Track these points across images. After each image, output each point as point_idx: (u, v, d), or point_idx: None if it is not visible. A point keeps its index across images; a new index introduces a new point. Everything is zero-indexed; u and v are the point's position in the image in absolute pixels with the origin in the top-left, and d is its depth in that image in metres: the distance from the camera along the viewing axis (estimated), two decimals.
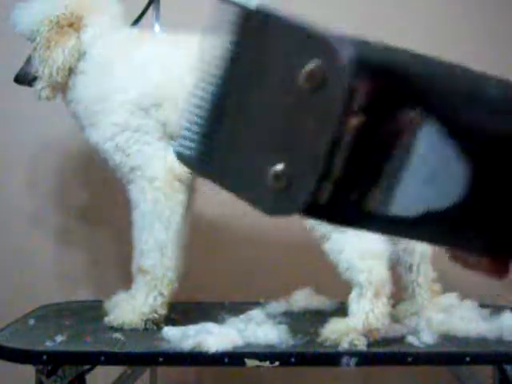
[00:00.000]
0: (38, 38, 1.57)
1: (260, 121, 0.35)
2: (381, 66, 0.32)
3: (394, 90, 0.32)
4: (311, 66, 0.32)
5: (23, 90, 1.69)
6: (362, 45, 0.33)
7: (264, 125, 0.35)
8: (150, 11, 1.88)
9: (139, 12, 1.81)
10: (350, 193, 0.33)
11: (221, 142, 0.37)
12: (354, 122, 0.32)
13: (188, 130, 0.39)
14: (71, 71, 1.58)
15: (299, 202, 0.33)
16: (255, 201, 0.35)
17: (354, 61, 0.32)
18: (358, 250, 1.35)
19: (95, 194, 2.15)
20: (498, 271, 0.34)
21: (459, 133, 0.33)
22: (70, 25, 1.57)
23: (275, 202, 0.34)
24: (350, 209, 0.34)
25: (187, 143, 0.39)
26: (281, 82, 0.34)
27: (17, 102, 2.07)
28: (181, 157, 0.39)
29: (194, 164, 0.39)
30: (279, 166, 0.34)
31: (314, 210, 0.34)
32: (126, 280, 1.62)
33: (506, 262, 0.34)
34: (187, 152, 0.39)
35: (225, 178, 0.37)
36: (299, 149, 0.33)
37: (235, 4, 0.36)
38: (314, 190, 0.33)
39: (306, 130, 0.33)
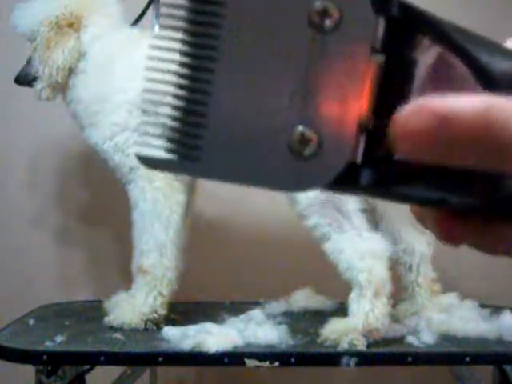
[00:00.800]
0: (38, 39, 1.57)
1: (265, 81, 0.29)
2: (399, 5, 0.30)
3: (410, 22, 0.30)
4: (322, 3, 0.29)
5: (23, 90, 1.69)
6: None
7: (272, 84, 0.29)
8: (150, 11, 1.88)
9: (139, 12, 1.81)
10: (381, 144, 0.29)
11: (214, 125, 0.30)
12: (378, 60, 0.29)
13: (155, 123, 0.32)
14: (71, 71, 1.58)
15: (337, 164, 0.28)
16: (276, 180, 0.30)
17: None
18: (358, 250, 1.35)
19: (95, 195, 2.15)
20: (446, 231, 0.31)
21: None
22: (70, 25, 1.58)
23: (303, 173, 0.29)
24: (385, 165, 0.30)
25: (158, 142, 0.31)
26: (287, 27, 0.29)
27: (17, 103, 2.07)
28: (155, 162, 0.31)
29: (180, 165, 0.31)
30: (301, 128, 0.29)
31: (350, 175, 0.29)
32: (126, 280, 1.62)
33: (456, 221, 0.31)
34: (166, 154, 0.31)
35: (231, 169, 0.30)
36: (325, 101, 0.29)
37: None
38: (352, 147, 0.29)
39: (328, 80, 0.29)
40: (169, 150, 0.31)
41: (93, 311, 1.64)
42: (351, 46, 0.29)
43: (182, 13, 0.31)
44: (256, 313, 1.51)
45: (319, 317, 1.53)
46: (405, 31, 0.30)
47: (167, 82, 0.31)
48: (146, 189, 1.51)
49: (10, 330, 1.46)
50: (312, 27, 0.29)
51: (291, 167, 0.29)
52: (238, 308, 1.60)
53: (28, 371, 1.39)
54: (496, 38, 0.32)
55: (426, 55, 0.30)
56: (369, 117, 0.29)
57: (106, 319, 1.51)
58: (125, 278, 1.65)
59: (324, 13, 0.29)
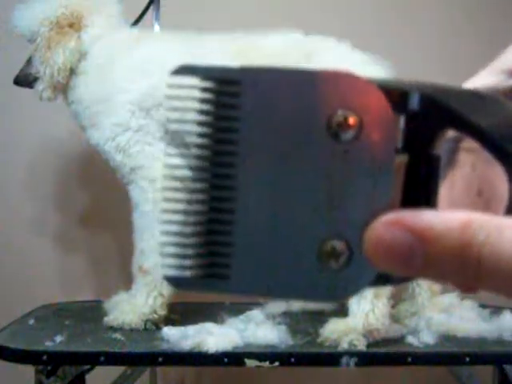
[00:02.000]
0: (39, 39, 1.57)
1: (290, 194, 0.29)
2: (418, 97, 0.29)
3: (431, 118, 0.29)
4: (341, 114, 0.28)
5: (22, 91, 1.69)
6: (387, 81, 0.29)
7: (297, 198, 0.29)
8: (150, 11, 1.88)
9: (139, 12, 1.81)
10: None
11: (241, 242, 0.30)
12: (402, 160, 0.29)
13: (176, 243, 0.30)
14: (72, 72, 1.58)
15: (368, 274, 0.28)
16: (308, 292, 0.29)
17: (392, 97, 0.28)
18: None
19: (95, 196, 2.15)
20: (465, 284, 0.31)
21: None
22: (71, 25, 1.58)
23: (336, 284, 0.29)
24: None
25: (179, 262, 0.30)
26: (307, 139, 0.29)
27: (16, 104, 2.07)
28: (183, 282, 0.30)
29: (208, 284, 0.30)
30: (332, 241, 0.28)
31: (381, 277, 0.29)
32: (126, 281, 1.62)
33: None
34: (187, 273, 0.30)
35: (260, 284, 0.30)
36: (353, 212, 0.28)
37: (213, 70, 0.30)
38: None
39: (353, 189, 0.28)
40: (195, 269, 0.30)
41: (93, 311, 1.64)
42: (374, 151, 0.28)
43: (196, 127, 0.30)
44: (256, 313, 1.51)
45: (319, 317, 1.53)
46: (427, 124, 0.29)
47: (187, 201, 0.30)
48: (147, 189, 1.51)
49: (9, 330, 1.46)
50: (332, 138, 0.29)
51: (323, 279, 0.29)
52: (237, 308, 1.60)
53: (28, 371, 1.39)
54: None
55: (448, 143, 0.30)
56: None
57: (106, 319, 1.51)
58: (125, 278, 1.65)
59: (344, 122, 0.28)
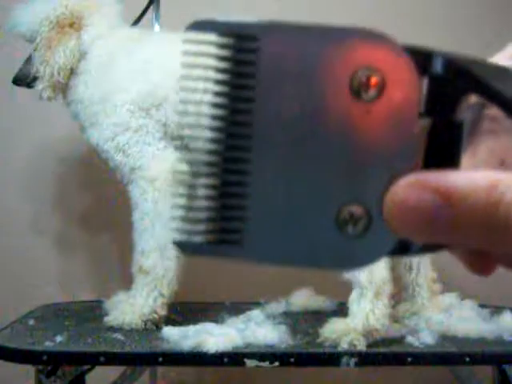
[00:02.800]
0: (39, 39, 1.57)
1: (307, 156, 0.28)
2: (442, 60, 0.28)
3: (454, 83, 0.28)
4: (364, 72, 0.27)
5: (21, 91, 1.68)
6: (411, 44, 0.28)
7: (315, 159, 0.28)
8: (150, 11, 1.88)
9: (139, 12, 1.81)
10: None
11: (255, 206, 0.28)
12: (425, 124, 0.28)
13: (190, 208, 0.29)
14: (72, 71, 1.58)
15: (388, 241, 0.27)
16: (325, 260, 0.28)
17: (416, 59, 0.27)
18: None
19: (95, 196, 2.15)
20: (477, 266, 0.29)
21: None
22: (71, 25, 1.58)
23: (354, 251, 0.27)
24: None
25: (190, 227, 0.29)
26: (328, 97, 0.27)
27: (15, 105, 2.07)
28: (193, 247, 0.29)
29: (220, 250, 0.29)
30: (350, 206, 0.27)
31: (401, 246, 0.28)
32: (126, 281, 1.62)
33: (484, 256, 0.29)
34: (198, 238, 0.29)
35: (275, 251, 0.28)
36: (373, 176, 0.27)
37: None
38: None
39: (374, 152, 0.27)
40: (208, 234, 0.29)
41: (93, 311, 1.64)
42: (396, 113, 0.27)
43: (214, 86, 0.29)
44: (256, 313, 1.51)
45: (319, 317, 1.53)
46: (450, 88, 0.28)
47: (201, 162, 0.29)
48: (147, 189, 1.51)
49: (9, 330, 1.46)
50: (354, 97, 0.27)
51: (341, 245, 0.28)
52: (237, 308, 1.60)
53: (28, 371, 1.39)
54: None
55: (472, 110, 0.29)
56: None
57: (106, 319, 1.51)
58: (125, 279, 1.65)
59: (367, 81, 0.27)
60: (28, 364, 1.34)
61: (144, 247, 1.51)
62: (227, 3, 2.13)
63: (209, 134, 0.29)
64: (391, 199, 0.26)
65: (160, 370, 1.99)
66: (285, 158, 0.28)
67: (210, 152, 0.29)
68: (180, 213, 0.29)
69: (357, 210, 0.27)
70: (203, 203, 0.29)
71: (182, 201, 0.29)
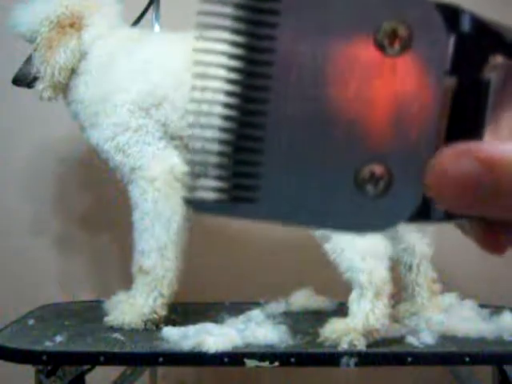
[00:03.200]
0: (39, 39, 1.57)
1: (326, 110, 0.26)
2: (469, 19, 0.27)
3: (482, 42, 0.27)
4: (391, 24, 0.26)
5: (21, 92, 1.68)
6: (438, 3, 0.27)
7: (335, 114, 0.26)
8: (150, 11, 1.88)
9: (139, 12, 1.81)
10: None
11: (271, 163, 0.27)
12: (450, 83, 0.27)
13: (211, 165, 0.27)
14: (72, 71, 1.58)
15: (409, 204, 0.26)
16: (344, 221, 0.27)
17: (445, 15, 0.26)
18: (359, 251, 1.35)
19: (95, 196, 2.15)
20: (491, 243, 0.29)
21: None
22: (72, 25, 1.58)
23: (374, 212, 0.26)
24: None
25: (213, 184, 0.27)
26: (353, 49, 0.26)
27: (15, 105, 2.07)
28: (207, 206, 0.27)
29: (234, 208, 0.27)
30: (370, 166, 0.26)
31: (422, 211, 0.27)
32: (126, 281, 1.62)
33: (498, 233, 0.29)
34: (219, 197, 0.27)
35: (292, 210, 0.27)
36: (395, 134, 0.26)
37: None
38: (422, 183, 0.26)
39: (397, 108, 0.26)
40: (221, 192, 0.27)
41: (93, 311, 1.64)
42: (422, 68, 0.26)
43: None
44: (256, 313, 1.51)
45: (319, 317, 1.53)
46: (477, 48, 0.28)
47: (217, 115, 0.28)
48: (147, 189, 1.51)
49: (9, 330, 1.46)
50: (380, 48, 0.26)
51: (361, 207, 0.27)
52: (237, 308, 1.60)
53: (28, 371, 1.39)
54: None
55: (500, 73, 0.28)
56: (442, 147, 0.26)
57: (106, 319, 1.50)
58: (125, 279, 1.65)
59: (393, 34, 0.26)
60: (28, 364, 1.34)
61: (144, 247, 1.51)
62: None
63: (226, 87, 0.27)
64: (434, 167, 0.26)
65: (160, 370, 1.99)
66: (303, 113, 0.27)
67: (226, 106, 0.27)
68: (193, 170, 0.28)
69: (378, 169, 0.27)
70: (217, 159, 0.27)
71: (196, 157, 0.28)
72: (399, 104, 0.26)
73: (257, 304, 1.68)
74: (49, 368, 1.33)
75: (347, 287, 1.39)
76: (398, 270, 1.57)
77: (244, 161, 0.27)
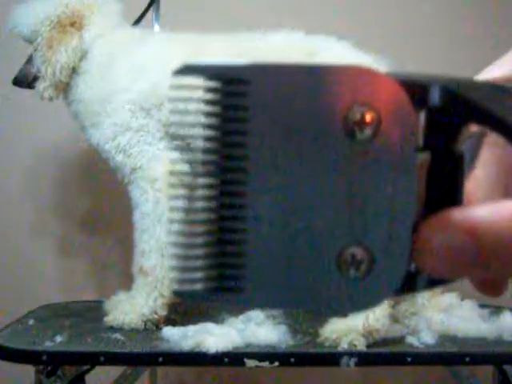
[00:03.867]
0: (39, 38, 1.56)
1: (304, 199, 0.27)
2: (439, 91, 0.27)
3: (453, 113, 0.28)
4: (358, 110, 0.26)
5: (20, 95, 1.68)
6: (405, 74, 0.28)
7: (312, 203, 0.27)
8: (150, 11, 1.88)
9: (139, 12, 1.81)
10: None
11: (254, 252, 0.27)
12: (424, 159, 0.28)
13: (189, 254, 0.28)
14: (74, 71, 1.57)
15: (392, 282, 0.27)
16: (328, 304, 0.27)
17: (413, 92, 0.27)
18: None
19: (96, 197, 2.15)
20: (487, 290, 0.31)
21: None
22: (72, 24, 1.57)
23: (357, 294, 0.27)
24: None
25: (189, 275, 0.28)
26: (321, 138, 0.27)
27: (14, 108, 2.07)
28: (196, 296, 0.28)
29: (222, 297, 0.28)
30: (351, 249, 0.27)
31: (406, 285, 0.27)
32: (126, 282, 1.61)
33: (492, 281, 0.31)
34: (198, 286, 0.28)
35: (276, 296, 0.28)
36: (372, 216, 0.27)
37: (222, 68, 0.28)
38: (407, 261, 0.27)
39: (373, 191, 0.27)
40: (206, 281, 0.28)
41: (93, 311, 1.64)
42: (394, 150, 0.26)
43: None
44: (256, 313, 1.51)
45: (319, 317, 1.53)
46: (448, 118, 0.28)
47: (195, 210, 0.28)
48: (148, 189, 1.51)
49: (9, 330, 1.46)
50: (349, 137, 0.27)
51: (343, 289, 0.27)
52: (237, 308, 1.60)
53: (28, 371, 1.39)
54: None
55: (472, 139, 0.29)
56: (422, 221, 0.27)
57: (106, 319, 1.50)
58: (126, 280, 1.65)
59: (361, 120, 0.26)
60: (28, 364, 1.34)
61: (144, 248, 1.51)
62: (227, 3, 2.13)
63: (202, 180, 0.28)
64: (421, 237, 0.26)
65: (160, 370, 1.99)
66: (283, 201, 0.27)
67: (205, 198, 0.28)
68: (178, 262, 0.28)
69: (358, 252, 0.27)
70: (201, 251, 0.28)
71: (180, 250, 0.28)
72: (375, 187, 0.27)
73: None
74: (49, 368, 1.33)
75: None
76: None
77: (227, 253, 0.28)
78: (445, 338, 1.42)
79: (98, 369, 1.42)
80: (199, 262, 0.28)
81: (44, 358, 1.29)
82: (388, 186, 0.27)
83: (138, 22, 1.78)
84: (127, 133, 1.52)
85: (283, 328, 1.40)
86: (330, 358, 1.32)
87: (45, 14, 1.57)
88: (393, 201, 0.27)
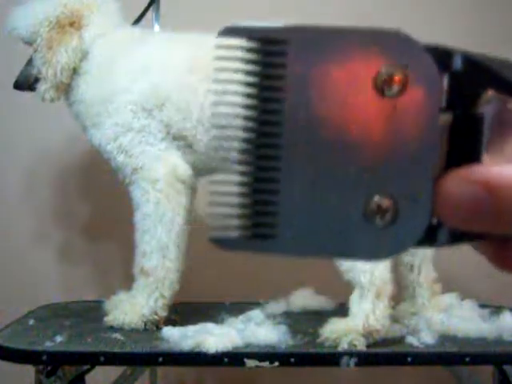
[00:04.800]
0: (39, 40, 1.56)
1: (334, 153, 0.30)
2: (461, 58, 0.30)
3: (474, 79, 0.30)
4: (387, 69, 0.29)
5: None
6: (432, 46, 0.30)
7: (341, 155, 0.29)
8: (150, 11, 1.88)
9: (139, 12, 1.81)
10: None
11: (287, 201, 0.30)
12: (446, 119, 0.30)
13: (229, 204, 0.31)
14: (75, 71, 1.57)
15: (415, 231, 0.29)
16: (355, 251, 0.30)
17: (437, 56, 0.29)
18: None
19: (96, 197, 2.15)
20: (502, 260, 0.31)
21: None
22: (71, 24, 1.57)
23: (383, 241, 0.29)
24: None
25: (225, 223, 0.31)
26: (352, 94, 0.29)
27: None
28: (230, 243, 0.31)
29: (255, 244, 0.31)
30: (377, 199, 0.29)
31: (428, 237, 0.30)
32: (127, 282, 1.61)
33: (508, 250, 0.31)
34: (240, 234, 0.31)
35: (307, 243, 0.30)
36: (398, 168, 0.29)
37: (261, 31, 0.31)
38: (429, 212, 0.29)
39: (398, 146, 0.29)
40: (243, 229, 0.31)
41: (93, 311, 1.64)
42: (419, 107, 0.29)
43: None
44: (256, 313, 1.51)
45: (319, 317, 1.53)
46: (469, 84, 0.30)
47: (234, 160, 0.31)
48: (149, 190, 1.50)
49: (9, 330, 1.46)
50: (378, 93, 0.29)
51: (370, 236, 0.29)
52: (237, 308, 1.60)
53: (28, 371, 1.39)
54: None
55: (492, 106, 0.31)
56: (443, 176, 0.29)
57: (106, 319, 1.50)
58: (126, 280, 1.65)
59: (390, 79, 0.29)
60: (28, 364, 1.34)
61: (145, 248, 1.50)
62: (227, 3, 2.13)
63: (240, 134, 0.30)
64: (440, 191, 0.28)
65: (160, 370, 1.99)
66: (313, 155, 0.30)
67: (242, 151, 0.30)
68: (215, 209, 0.30)
69: (384, 201, 0.29)
70: (237, 200, 0.30)
71: (218, 198, 0.30)
72: (401, 141, 0.29)
73: (257, 304, 1.68)
74: (49, 368, 1.33)
75: (347, 287, 1.39)
76: (399, 270, 1.57)
77: (262, 201, 0.30)
78: (445, 338, 1.42)
79: (98, 369, 1.42)
80: (235, 210, 0.30)
81: (44, 358, 1.29)
82: (413, 141, 0.29)
83: (137, 21, 1.77)
84: (129, 133, 1.52)
85: (283, 328, 1.40)
86: (329, 358, 1.32)
87: (43, 15, 1.56)
88: (416, 154, 0.29)
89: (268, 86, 0.30)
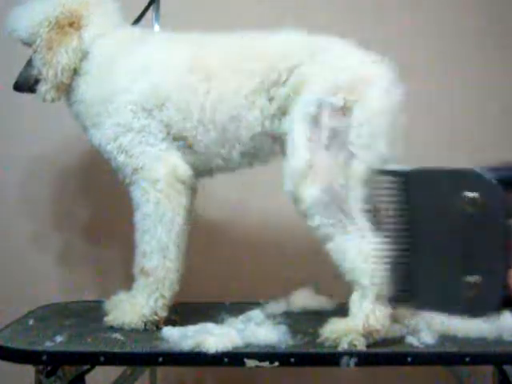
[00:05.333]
0: (39, 40, 1.56)
1: (442, 249, 0.54)
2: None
3: None
4: (471, 195, 0.50)
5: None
6: (499, 171, 0.51)
7: (447, 251, 0.53)
8: (150, 11, 1.88)
9: (139, 12, 1.81)
10: None
11: (418, 279, 0.56)
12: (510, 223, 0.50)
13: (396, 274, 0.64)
14: (75, 72, 1.57)
15: (494, 304, 0.50)
16: (460, 311, 0.53)
17: (502, 185, 0.49)
18: (362, 252, 1.35)
19: (96, 198, 2.15)
20: None
21: None
22: (70, 24, 1.56)
23: (469, 307, 0.49)
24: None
25: (397, 286, 0.59)
26: (449, 216, 0.54)
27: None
28: (402, 300, 0.60)
29: (410, 300, 0.59)
30: (470, 278, 0.50)
31: (505, 303, 0.50)
32: (127, 282, 1.61)
33: None
34: (401, 293, 0.59)
35: (431, 303, 0.55)
36: (483, 259, 0.49)
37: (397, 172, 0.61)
38: (503, 291, 0.49)
39: (481, 245, 0.50)
40: (398, 291, 0.55)
41: (93, 311, 1.64)
42: (494, 218, 0.49)
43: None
44: (256, 313, 1.51)
45: (319, 317, 1.53)
46: None
47: (392, 252, 0.65)
48: (149, 190, 1.50)
49: (10, 330, 1.46)
50: (466, 212, 0.49)
51: (466, 302, 0.49)
52: (237, 308, 1.60)
53: (28, 371, 1.39)
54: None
55: None
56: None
57: (106, 319, 1.50)
58: (126, 280, 1.64)
59: (473, 201, 0.50)
60: (28, 364, 1.34)
61: (145, 248, 1.50)
62: (227, 3, 2.13)
63: (394, 238, 0.57)
64: (510, 280, 0.45)
65: (160, 370, 1.99)
66: (432, 248, 0.53)
67: (397, 242, 0.56)
68: (386, 281, 0.60)
69: (475, 279, 0.48)
70: (392, 274, 0.57)
71: (386, 274, 0.58)
72: (482, 240, 0.50)
73: (257, 304, 1.68)
74: (49, 368, 1.33)
75: (347, 287, 1.39)
76: None
77: (404, 275, 0.52)
78: (445, 338, 1.42)
79: (98, 369, 1.42)
80: (398, 276, 0.55)
81: (44, 358, 1.30)
82: (489, 241, 0.48)
83: (137, 21, 1.77)
84: (129, 133, 1.52)
85: (283, 328, 1.40)
86: (329, 358, 1.32)
87: (43, 16, 1.56)
88: (494, 250, 0.47)
89: (403, 208, 0.54)
